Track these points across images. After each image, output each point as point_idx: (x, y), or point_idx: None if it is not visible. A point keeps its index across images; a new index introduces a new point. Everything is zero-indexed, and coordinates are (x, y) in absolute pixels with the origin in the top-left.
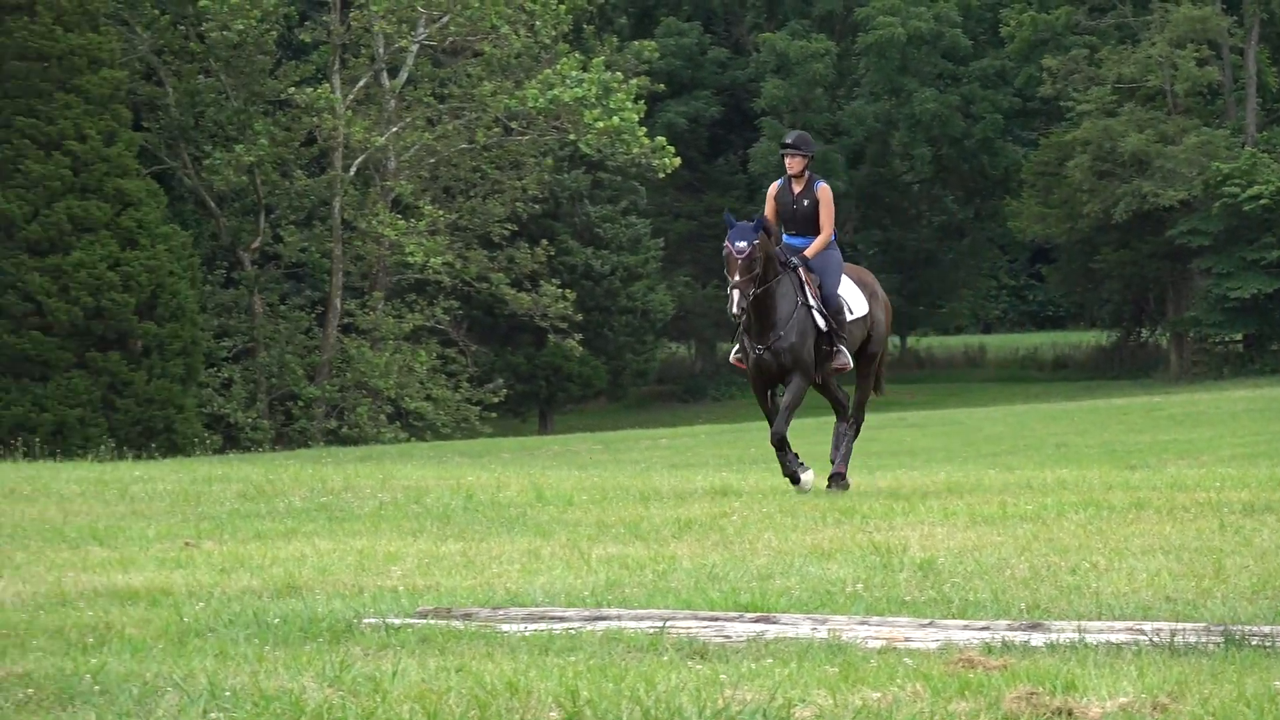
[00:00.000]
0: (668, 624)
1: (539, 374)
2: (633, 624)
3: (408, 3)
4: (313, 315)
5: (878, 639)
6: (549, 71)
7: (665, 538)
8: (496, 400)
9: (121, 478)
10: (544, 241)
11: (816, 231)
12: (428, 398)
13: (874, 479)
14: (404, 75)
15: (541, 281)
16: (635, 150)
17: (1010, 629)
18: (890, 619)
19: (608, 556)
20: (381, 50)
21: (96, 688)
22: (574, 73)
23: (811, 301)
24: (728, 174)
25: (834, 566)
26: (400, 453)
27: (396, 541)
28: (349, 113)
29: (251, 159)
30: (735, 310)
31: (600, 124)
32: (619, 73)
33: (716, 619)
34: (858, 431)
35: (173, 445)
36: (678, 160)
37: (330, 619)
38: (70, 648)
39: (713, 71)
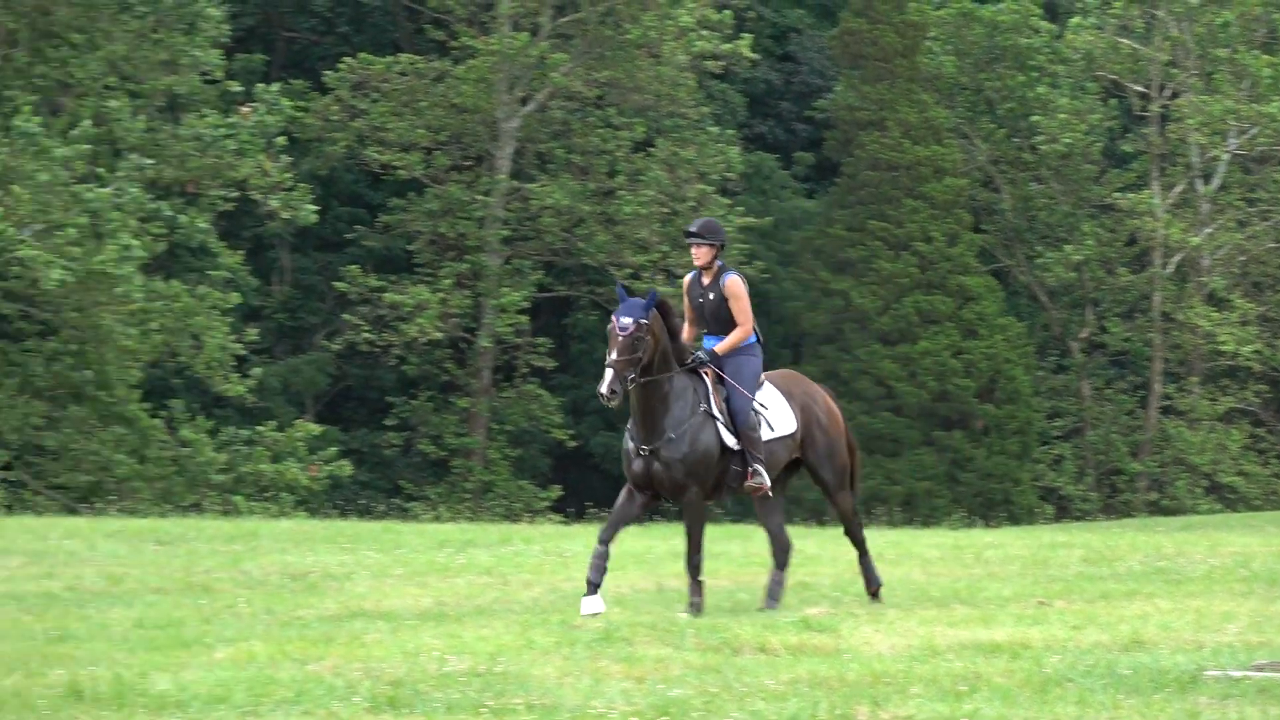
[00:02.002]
0: None
1: None
2: None
3: (1219, 116)
4: (1135, 398)
5: None
6: None
7: None
8: None
9: (974, 543)
10: None
11: (729, 329)
12: (1239, 473)
13: None
14: (1216, 181)
15: None
16: None
17: None
18: None
19: None
20: (1196, 159)
21: None
22: None
23: (715, 411)
24: None
25: None
26: (1218, 523)
27: (1229, 602)
28: (1167, 216)
29: (1079, 257)
30: (604, 390)
31: None
32: None
33: None
34: (864, 550)
35: (1011, 515)
36: None
37: (1175, 671)
38: (945, 694)
39: None
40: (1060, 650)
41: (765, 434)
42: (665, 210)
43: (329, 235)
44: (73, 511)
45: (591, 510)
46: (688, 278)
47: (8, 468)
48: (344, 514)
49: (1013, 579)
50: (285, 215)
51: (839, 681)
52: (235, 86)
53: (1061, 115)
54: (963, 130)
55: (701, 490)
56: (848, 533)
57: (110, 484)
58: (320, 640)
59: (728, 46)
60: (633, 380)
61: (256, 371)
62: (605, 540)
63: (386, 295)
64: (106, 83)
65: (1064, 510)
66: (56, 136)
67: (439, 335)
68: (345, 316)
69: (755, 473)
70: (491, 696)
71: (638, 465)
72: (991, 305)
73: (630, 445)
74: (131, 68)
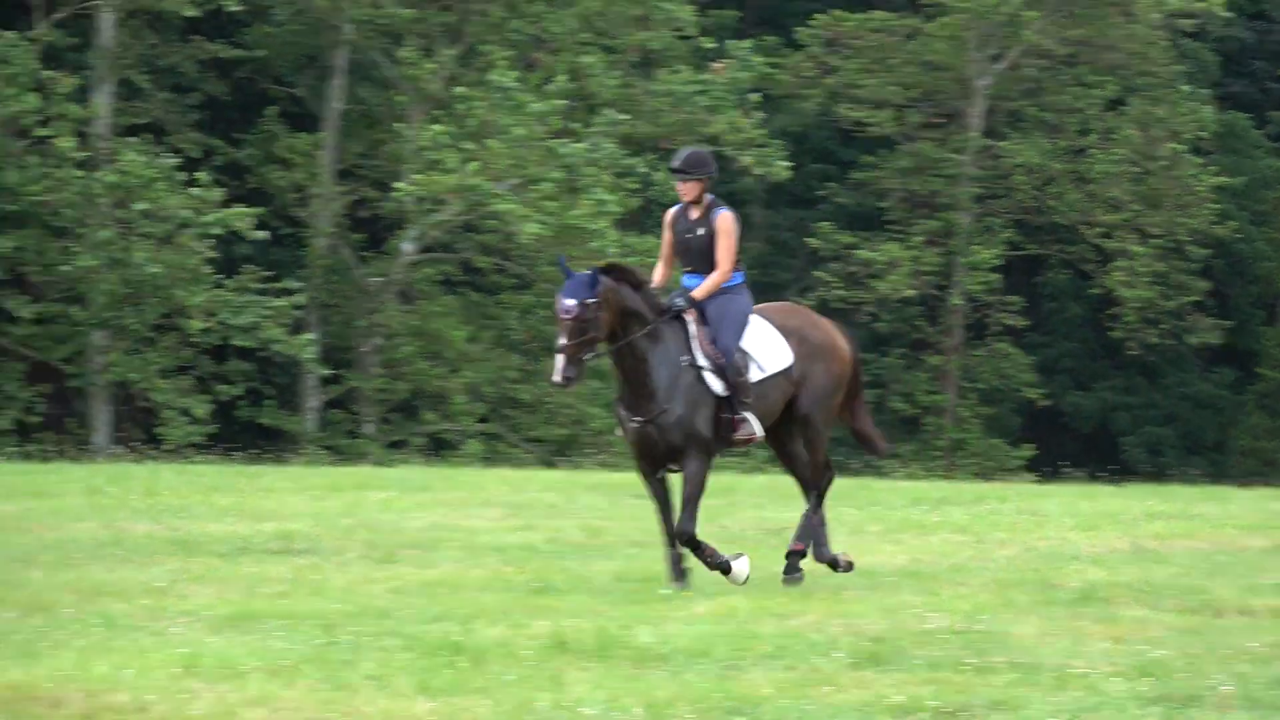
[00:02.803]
0: None
1: None
2: None
3: None
4: None
5: None
6: None
7: None
8: None
9: None
10: None
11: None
12: None
13: None
14: None
15: None
16: None
17: None
18: None
19: None
20: None
21: None
22: None
23: (701, 360)
24: None
25: None
26: None
27: None
28: None
29: None
30: (557, 380)
31: None
32: None
33: None
34: (820, 500)
35: None
36: None
37: None
38: None
39: None
40: None
41: (754, 374)
42: (1137, 169)
43: (801, 192)
44: (549, 464)
45: (1066, 470)
46: (671, 211)
47: (485, 420)
48: None
49: None
50: (758, 171)
51: None
52: (708, 43)
53: None
54: None
55: (704, 451)
56: (805, 479)
57: (586, 437)
58: (800, 596)
59: (1201, 4)
60: (593, 356)
61: None
62: (672, 543)
63: (858, 252)
64: (580, 38)
65: None
66: (532, 92)
67: (911, 292)
68: (817, 273)
69: (743, 421)
70: (972, 655)
71: (633, 435)
72: None
73: (622, 414)
74: (605, 23)
